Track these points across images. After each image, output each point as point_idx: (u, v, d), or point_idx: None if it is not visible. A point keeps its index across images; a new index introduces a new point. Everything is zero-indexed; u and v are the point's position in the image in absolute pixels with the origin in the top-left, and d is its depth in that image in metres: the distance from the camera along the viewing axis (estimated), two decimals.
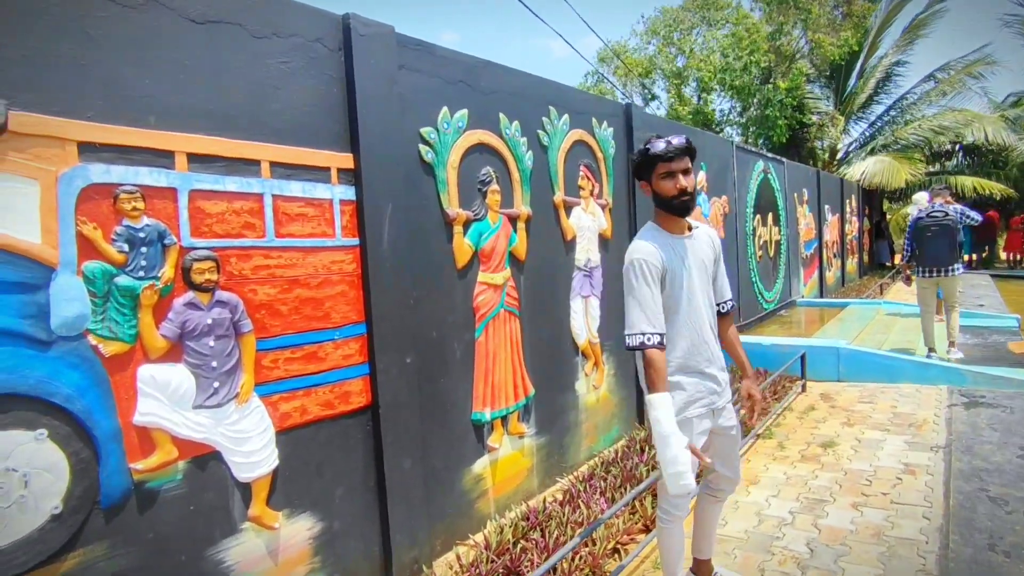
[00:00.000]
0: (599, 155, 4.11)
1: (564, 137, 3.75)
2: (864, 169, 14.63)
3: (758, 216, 7.41)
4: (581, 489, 3.31)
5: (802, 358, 5.36)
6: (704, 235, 2.21)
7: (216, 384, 2.01)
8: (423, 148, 2.82)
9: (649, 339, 1.92)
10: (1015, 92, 18.20)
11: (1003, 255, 17.59)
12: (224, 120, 2.07)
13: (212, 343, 2.00)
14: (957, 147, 16.83)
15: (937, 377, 5.16)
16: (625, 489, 3.29)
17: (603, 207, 4.15)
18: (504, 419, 3.28)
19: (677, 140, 2.04)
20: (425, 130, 2.83)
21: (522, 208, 3.38)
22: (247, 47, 2.15)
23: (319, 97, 2.40)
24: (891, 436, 4.06)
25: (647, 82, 17.79)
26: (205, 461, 2.00)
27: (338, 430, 2.44)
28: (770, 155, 8.16)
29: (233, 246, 2.10)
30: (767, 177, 7.80)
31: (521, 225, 3.39)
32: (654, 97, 18.09)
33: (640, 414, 4.57)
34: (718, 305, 2.23)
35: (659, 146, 2.04)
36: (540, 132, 3.56)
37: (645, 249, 2.01)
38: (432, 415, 2.86)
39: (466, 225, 3.04)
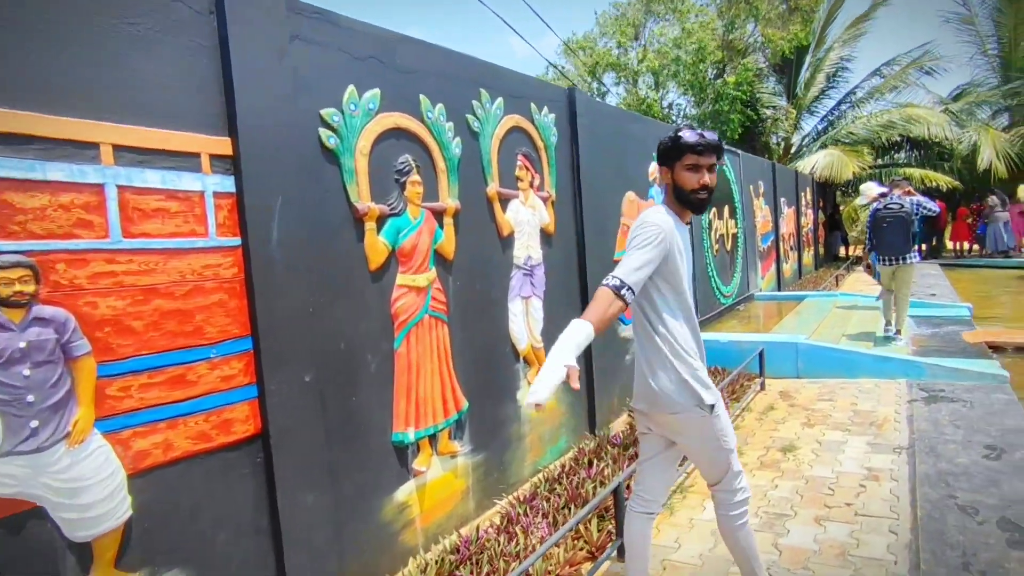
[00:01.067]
0: (539, 143, 3.78)
1: (498, 123, 3.41)
2: (815, 162, 14.75)
3: (714, 209, 7.21)
4: (521, 512, 2.98)
5: (760, 355, 5.14)
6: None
7: (35, 424, 1.60)
8: (324, 132, 2.43)
9: (615, 281, 1.79)
10: (960, 85, 18.72)
11: (949, 244, 18.02)
12: (43, 92, 1.66)
13: (27, 372, 1.59)
14: (904, 140, 17.12)
15: (895, 371, 5.01)
16: (570, 511, 2.97)
17: (545, 200, 3.82)
18: (432, 438, 2.92)
19: (710, 135, 2.00)
20: (327, 112, 2.44)
21: (448, 201, 3.03)
22: (81, 3, 1.74)
23: (183, 69, 1.99)
24: (852, 437, 3.85)
25: (606, 78, 17.65)
26: (21, 521, 1.59)
27: (218, 466, 2.04)
28: (725, 146, 7.99)
29: (60, 249, 1.68)
30: (722, 169, 7.61)
31: (448, 220, 3.03)
32: (603, 92, 17.96)
33: (591, 422, 4.27)
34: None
35: (691, 136, 1.97)
36: (469, 117, 3.21)
37: (665, 221, 1.94)
38: (342, 440, 2.48)
39: (381, 221, 2.67)
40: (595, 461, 3.51)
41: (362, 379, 2.58)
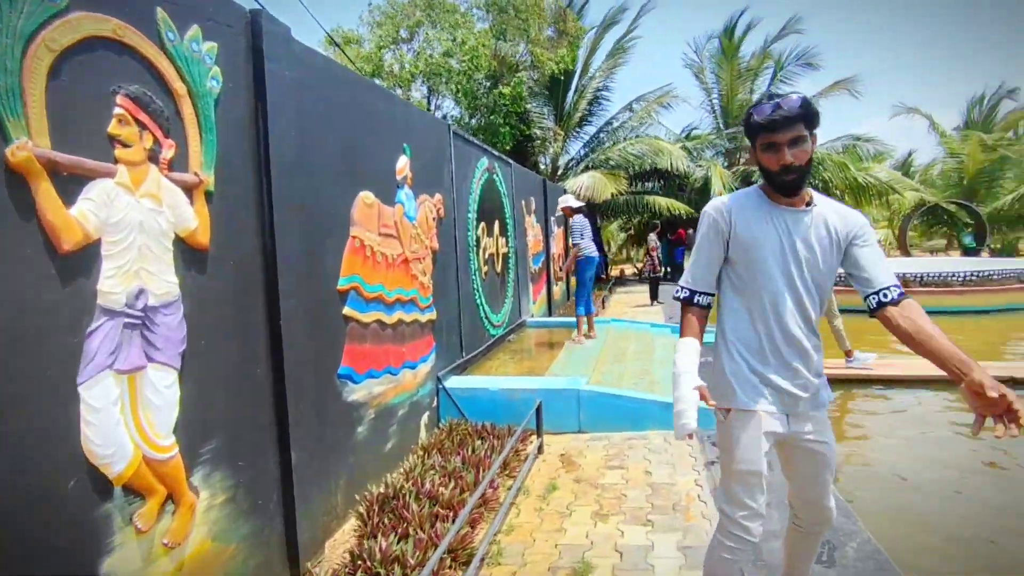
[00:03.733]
0: (177, 87, 2.10)
1: (46, 19, 1.67)
2: (580, 183, 15.02)
3: (483, 224, 6.11)
4: None
5: (538, 410, 4.04)
6: (831, 211, 1.78)
7: None
8: None
9: (680, 291, 1.89)
10: (687, 127, 21.29)
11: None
12: None
13: None
14: (653, 170, 18.57)
15: None
16: None
17: (190, 188, 2.15)
18: None
19: (788, 105, 1.67)
20: None
21: None
22: None
23: None
24: (658, 535, 2.84)
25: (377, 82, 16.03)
26: None
27: None
28: (496, 152, 7.01)
29: None
30: (492, 178, 6.59)
31: None
32: None
33: (291, 549, 2.65)
34: (878, 294, 1.69)
35: (764, 111, 1.70)
36: None
37: (719, 203, 1.83)
38: None
39: None
40: None
41: None
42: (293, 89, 2.75)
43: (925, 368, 6.09)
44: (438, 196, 4.72)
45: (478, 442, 3.95)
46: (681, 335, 1.84)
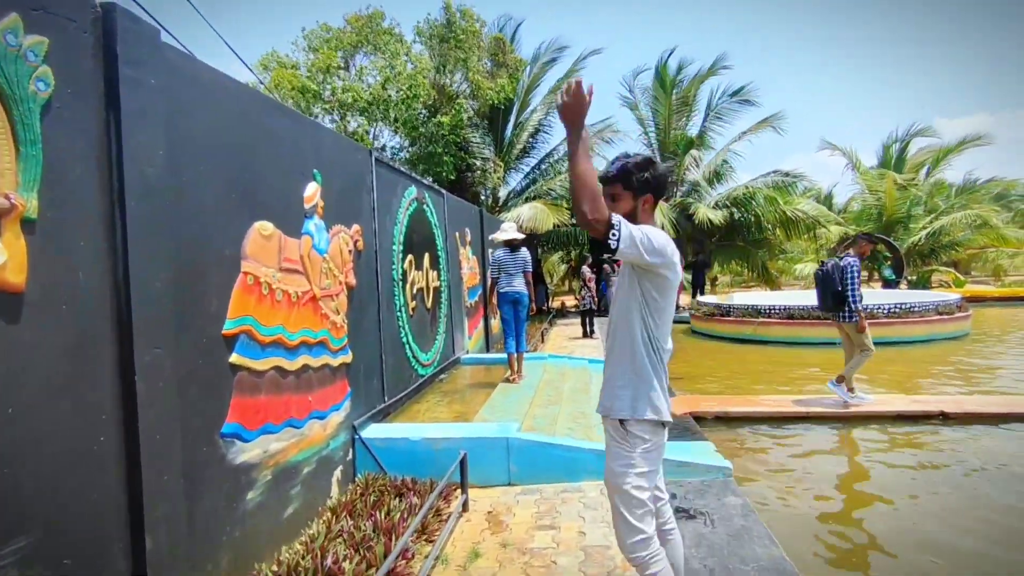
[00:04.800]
0: None
1: None
2: (520, 214, 14.87)
3: (411, 257, 5.73)
4: None
5: (462, 462, 3.65)
6: None
7: None
8: None
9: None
10: None
11: None
12: None
13: None
14: None
15: None
16: None
17: None
18: None
19: (612, 165, 2.09)
20: None
21: None
22: None
23: None
24: None
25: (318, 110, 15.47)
26: None
27: None
28: (427, 182, 6.68)
29: None
30: (422, 208, 6.24)
31: None
32: None
33: None
34: None
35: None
36: None
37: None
38: None
39: None
40: None
41: None
42: (161, 99, 2.34)
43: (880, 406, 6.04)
44: (356, 227, 4.32)
45: (395, 501, 3.51)
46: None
